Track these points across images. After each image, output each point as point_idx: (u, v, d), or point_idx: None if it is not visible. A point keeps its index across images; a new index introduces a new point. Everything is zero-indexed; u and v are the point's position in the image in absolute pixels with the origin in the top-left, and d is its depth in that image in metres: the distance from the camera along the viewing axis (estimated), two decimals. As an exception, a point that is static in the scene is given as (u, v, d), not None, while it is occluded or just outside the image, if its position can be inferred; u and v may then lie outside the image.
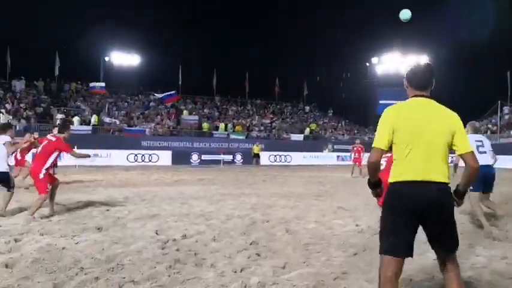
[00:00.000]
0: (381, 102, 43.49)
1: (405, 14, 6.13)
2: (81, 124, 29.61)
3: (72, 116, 29.99)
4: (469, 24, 43.55)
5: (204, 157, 31.22)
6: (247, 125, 39.03)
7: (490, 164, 6.76)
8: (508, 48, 42.40)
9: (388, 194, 2.87)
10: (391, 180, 2.86)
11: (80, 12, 52.46)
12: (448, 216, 2.83)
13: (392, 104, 3.07)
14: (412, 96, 3.00)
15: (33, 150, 10.44)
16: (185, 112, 37.77)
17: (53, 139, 7.49)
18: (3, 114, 27.49)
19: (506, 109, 41.13)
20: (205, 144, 32.79)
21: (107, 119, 32.28)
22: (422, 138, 2.81)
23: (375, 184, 3.01)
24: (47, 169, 7.30)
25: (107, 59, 39.73)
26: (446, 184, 2.82)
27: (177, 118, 36.47)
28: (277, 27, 62.54)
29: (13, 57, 35.62)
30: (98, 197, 9.97)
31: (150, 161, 28.80)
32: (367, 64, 52.71)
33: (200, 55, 52.84)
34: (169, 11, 55.75)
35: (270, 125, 40.95)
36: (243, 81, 45.76)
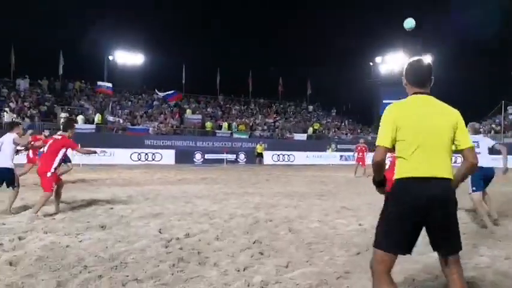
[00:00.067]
0: (384, 101, 43.34)
1: (409, 23, 6.17)
2: (85, 123, 29.66)
3: (76, 115, 30.05)
4: (473, 23, 43.37)
5: (207, 156, 31.25)
6: (251, 124, 39.02)
7: (487, 165, 6.82)
8: (512, 47, 42.32)
9: (393, 190, 2.86)
10: (396, 177, 2.85)
11: (84, 11, 52.62)
12: (452, 213, 2.84)
13: (396, 103, 3.07)
14: (413, 94, 3.00)
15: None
16: (188, 111, 37.78)
17: (59, 137, 7.62)
18: (7, 112, 27.57)
19: (510, 109, 41.01)
20: (208, 144, 32.80)
21: (111, 118, 32.33)
22: (427, 134, 2.81)
23: (380, 182, 3.01)
24: (56, 168, 7.42)
25: (110, 58, 39.75)
26: (451, 180, 2.83)
27: (180, 117, 36.51)
28: (281, 27, 62.57)
29: (17, 56, 35.75)
30: (101, 195, 9.99)
31: (153, 159, 28.83)
32: (371, 63, 52.64)
33: (204, 54, 52.89)
34: (173, 10, 55.82)
35: (273, 124, 40.93)
36: (247, 80, 45.76)
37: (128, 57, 40.96)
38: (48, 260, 4.40)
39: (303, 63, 59.52)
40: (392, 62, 49.24)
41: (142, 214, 7.45)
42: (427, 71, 3.01)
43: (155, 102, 38.31)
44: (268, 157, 32.73)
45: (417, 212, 2.74)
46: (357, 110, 50.96)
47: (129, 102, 37.62)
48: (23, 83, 33.73)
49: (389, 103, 3.08)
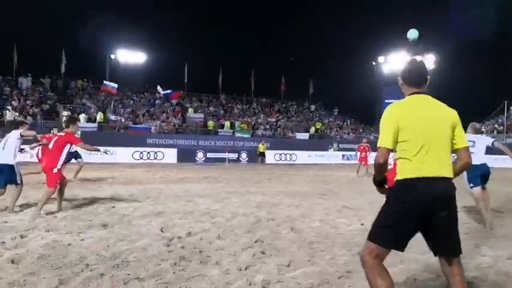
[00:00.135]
0: (386, 101, 43.29)
1: (413, 34, 6.24)
2: (87, 121, 29.71)
3: (78, 113, 30.09)
4: (475, 23, 43.29)
5: (209, 155, 31.25)
6: (253, 123, 39.02)
7: (481, 162, 7.00)
8: (515, 47, 42.23)
9: (397, 190, 2.85)
10: (401, 177, 2.84)
11: (87, 10, 52.65)
12: (455, 212, 2.85)
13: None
14: (411, 94, 3.01)
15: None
16: (190, 110, 37.82)
17: (62, 134, 7.76)
18: (9, 111, 27.64)
19: (513, 109, 40.97)
20: (210, 142, 32.80)
21: (113, 117, 32.36)
22: (430, 134, 2.82)
23: (381, 182, 3.02)
24: (62, 164, 7.54)
25: (113, 56, 39.80)
26: (452, 179, 2.86)
27: (182, 116, 36.53)
28: (283, 26, 62.53)
29: (20, 54, 35.88)
30: (103, 194, 10.01)
31: (155, 158, 28.85)
32: (374, 63, 52.48)
33: (206, 53, 52.92)
34: (175, 9, 55.85)
35: (275, 123, 40.92)
36: (249, 79, 45.77)
37: (130, 56, 40.96)
38: (50, 258, 4.41)
39: (305, 62, 59.58)
40: (395, 62, 49.13)
41: (144, 213, 7.46)
42: (424, 71, 3.04)
43: (157, 101, 38.33)
44: (270, 156, 32.71)
45: (422, 211, 2.75)
46: (359, 109, 50.88)
47: (131, 101, 37.68)
48: (25, 82, 33.83)
49: (391, 103, 3.08)
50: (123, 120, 32.76)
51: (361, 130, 44.99)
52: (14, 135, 7.67)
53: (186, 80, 41.83)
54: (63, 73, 37.14)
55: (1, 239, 5.20)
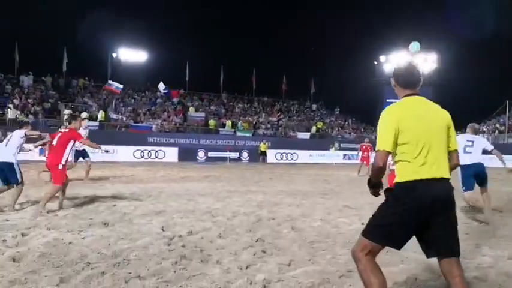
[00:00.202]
0: (388, 100, 43.27)
1: (414, 46, 6.32)
2: (88, 120, 29.69)
3: (80, 112, 30.12)
4: (477, 22, 43.25)
5: (210, 154, 31.29)
6: (254, 122, 39.02)
7: (476, 161, 7.21)
8: (517, 47, 42.17)
9: (397, 192, 2.84)
10: (401, 180, 2.83)
11: (89, 8, 52.71)
12: (454, 212, 2.88)
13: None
14: (406, 95, 3.01)
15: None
16: (192, 109, 37.84)
17: (66, 130, 7.90)
18: (11, 109, 27.68)
19: (514, 109, 40.87)
20: (211, 141, 32.84)
21: (114, 115, 32.39)
22: (430, 136, 2.82)
23: (376, 185, 3.02)
24: (66, 160, 7.62)
25: (114, 55, 39.82)
26: (449, 179, 2.88)
27: (183, 115, 36.54)
28: (285, 25, 62.50)
29: (21, 52, 35.94)
30: (104, 192, 10.02)
31: (156, 157, 28.89)
32: (375, 62, 52.45)
33: (207, 52, 52.89)
34: (176, 7, 55.86)
35: (276, 122, 40.92)
36: (250, 78, 45.76)
37: (132, 55, 41.00)
38: (51, 257, 4.42)
39: (306, 61, 59.58)
40: (396, 61, 49.12)
41: (145, 211, 7.46)
42: (417, 73, 3.05)
43: (158, 100, 38.35)
44: (272, 155, 32.72)
45: (421, 213, 2.75)
46: (361, 109, 50.85)
47: (133, 100, 37.68)
48: (26, 80, 33.85)
49: (392, 102, 3.08)
50: (124, 118, 32.79)
51: (362, 130, 44.96)
52: (17, 134, 7.75)
53: (187, 79, 41.89)
54: (65, 71, 37.18)
55: (2, 237, 5.20)
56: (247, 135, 35.35)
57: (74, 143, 7.88)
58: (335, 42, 56.30)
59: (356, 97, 50.72)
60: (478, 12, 44.01)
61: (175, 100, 37.50)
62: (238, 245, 5.17)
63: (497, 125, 40.11)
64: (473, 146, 7.25)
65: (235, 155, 32.06)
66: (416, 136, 2.80)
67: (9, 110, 27.59)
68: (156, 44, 48.81)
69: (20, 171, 7.61)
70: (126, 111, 34.51)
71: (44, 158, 10.88)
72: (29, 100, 30.68)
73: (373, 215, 2.94)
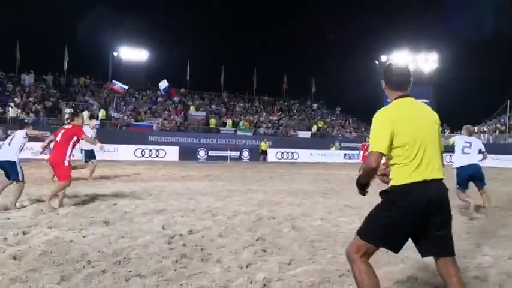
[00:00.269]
0: (388, 100, 43.24)
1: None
2: (90, 118, 29.70)
3: (81, 111, 30.13)
4: (478, 22, 43.20)
5: (211, 153, 31.30)
6: (255, 121, 39.02)
7: (473, 162, 7.52)
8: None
9: (393, 195, 2.83)
10: (397, 183, 2.81)
11: (89, 7, 52.72)
12: (449, 212, 2.88)
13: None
14: (398, 97, 2.97)
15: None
16: (192, 108, 37.84)
17: (69, 126, 8.01)
18: (12, 108, 27.69)
19: (515, 108, 40.81)
20: (212, 141, 32.85)
21: (115, 114, 32.40)
22: (424, 137, 2.82)
23: (365, 185, 2.98)
24: (70, 156, 7.68)
25: (115, 54, 39.83)
26: (443, 179, 2.89)
27: (184, 114, 36.54)
28: (286, 24, 62.46)
29: (22, 51, 35.94)
30: (105, 191, 10.03)
31: (157, 156, 28.89)
32: (376, 62, 52.46)
33: (208, 51, 52.93)
34: (177, 6, 55.83)
35: (277, 122, 40.92)
36: (251, 77, 45.78)
37: (133, 54, 41.02)
38: (52, 255, 4.42)
39: (307, 61, 59.57)
40: (397, 61, 49.10)
41: (145, 210, 7.47)
42: (409, 74, 3.02)
43: (159, 99, 38.36)
44: (272, 155, 32.73)
45: (417, 215, 2.75)
46: (361, 108, 50.84)
47: (134, 99, 37.69)
48: (28, 78, 33.87)
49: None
50: (125, 117, 32.80)
51: (363, 129, 44.90)
52: (20, 134, 7.88)
53: (188, 78, 41.93)
54: (66, 70, 37.21)
55: (3, 236, 5.21)
56: (248, 134, 35.36)
57: (76, 140, 7.91)
58: (335, 42, 56.31)
59: (357, 96, 50.70)
60: (478, 12, 43.98)
61: (176, 99, 37.49)
62: (239, 244, 5.17)
63: (498, 125, 40.04)
64: (471, 148, 7.49)
65: (235, 154, 32.07)
66: (412, 138, 2.79)
67: (10, 108, 27.61)
68: (157, 43, 48.99)
69: (22, 170, 7.63)
70: (127, 110, 34.53)
71: (44, 157, 10.90)
72: (30, 98, 30.70)
73: (368, 215, 2.94)
